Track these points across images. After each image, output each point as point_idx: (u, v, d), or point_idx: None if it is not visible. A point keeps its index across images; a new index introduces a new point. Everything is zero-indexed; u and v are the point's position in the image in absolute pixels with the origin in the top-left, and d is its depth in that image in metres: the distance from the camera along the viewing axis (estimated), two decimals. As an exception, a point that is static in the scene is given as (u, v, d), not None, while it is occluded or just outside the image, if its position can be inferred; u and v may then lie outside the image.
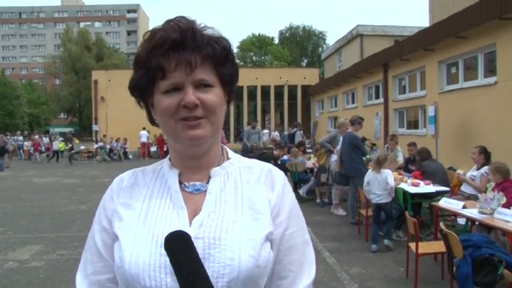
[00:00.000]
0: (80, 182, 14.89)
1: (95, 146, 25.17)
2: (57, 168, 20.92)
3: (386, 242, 6.34)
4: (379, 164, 6.48)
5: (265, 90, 29.55)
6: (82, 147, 27.26)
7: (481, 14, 9.25)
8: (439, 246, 4.65)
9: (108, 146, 24.30)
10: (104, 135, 25.66)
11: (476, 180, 6.81)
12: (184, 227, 0.94)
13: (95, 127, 29.06)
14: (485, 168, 6.69)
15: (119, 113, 24.95)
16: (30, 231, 7.70)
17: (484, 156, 6.95)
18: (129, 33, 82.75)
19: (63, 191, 12.84)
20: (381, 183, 6.34)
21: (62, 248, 6.58)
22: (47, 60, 63.83)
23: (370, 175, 6.55)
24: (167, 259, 0.89)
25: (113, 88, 26.40)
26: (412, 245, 4.85)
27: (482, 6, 9.24)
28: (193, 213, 0.97)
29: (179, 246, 0.86)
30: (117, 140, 24.76)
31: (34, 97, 54.69)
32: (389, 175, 6.39)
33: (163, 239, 0.91)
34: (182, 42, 0.95)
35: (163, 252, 0.89)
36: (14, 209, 9.87)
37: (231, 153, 1.11)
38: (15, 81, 50.11)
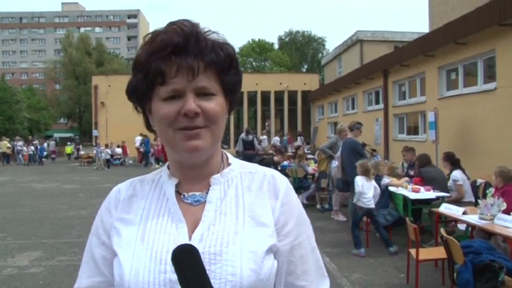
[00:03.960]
0: (79, 188, 14.87)
1: (94, 151, 25.14)
2: (57, 173, 20.90)
3: (391, 249, 6.36)
4: (367, 173, 6.61)
5: (265, 95, 29.59)
6: (82, 153, 27.31)
7: (480, 20, 9.28)
8: (439, 252, 4.64)
9: (109, 151, 24.21)
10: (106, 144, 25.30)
11: (452, 189, 6.89)
12: (183, 241, 0.91)
13: (95, 132, 29.10)
14: (453, 176, 6.83)
15: (119, 118, 24.95)
16: (29, 237, 7.67)
17: (450, 162, 7.05)
18: (129, 38, 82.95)
19: (63, 196, 12.82)
20: (371, 188, 6.56)
21: (61, 254, 6.55)
22: (47, 66, 63.85)
23: (363, 181, 6.58)
24: (166, 276, 0.87)
25: (113, 93, 26.44)
26: (413, 251, 4.84)
27: (482, 13, 9.27)
28: (193, 225, 0.94)
29: (186, 260, 0.84)
30: (118, 146, 24.77)
31: (34, 102, 54.61)
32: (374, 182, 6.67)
33: (162, 255, 0.89)
34: (185, 46, 0.91)
35: (163, 269, 0.88)
36: (14, 215, 9.84)
37: (231, 159, 1.07)
38: (15, 87, 50.04)
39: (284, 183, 1.02)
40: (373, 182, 6.64)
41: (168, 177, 1.02)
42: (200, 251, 0.87)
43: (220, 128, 0.97)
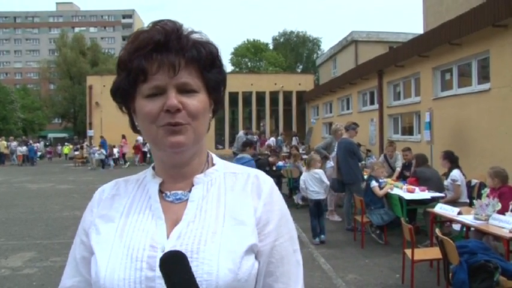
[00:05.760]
0: (74, 188, 14.81)
1: (89, 151, 25.04)
2: (51, 173, 20.81)
3: (323, 237, 6.96)
4: (308, 165, 7.21)
5: (260, 96, 29.60)
6: (76, 153, 27.20)
7: (474, 21, 9.32)
8: (434, 252, 4.66)
9: (103, 151, 24.08)
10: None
11: (449, 189, 6.86)
12: (161, 238, 0.90)
13: (89, 132, 29.01)
14: (453, 175, 6.76)
15: (113, 118, 24.79)
16: (23, 238, 7.63)
17: (449, 160, 7.03)
18: (124, 38, 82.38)
19: (57, 196, 12.77)
20: (316, 181, 6.98)
21: (55, 255, 6.52)
22: (42, 65, 63.48)
23: (305, 175, 7.15)
24: (142, 273, 0.86)
25: (107, 93, 25.40)
26: (408, 252, 4.84)
27: (476, 14, 9.31)
28: (174, 223, 0.93)
29: (174, 267, 0.82)
30: (114, 146, 24.74)
31: (28, 102, 54.32)
32: (322, 174, 7.12)
33: (139, 252, 0.89)
34: (166, 43, 0.91)
35: (139, 266, 0.87)
36: (7, 215, 9.78)
37: (215, 159, 1.07)
38: (9, 86, 49.79)
39: (268, 184, 1.01)
40: (319, 175, 7.02)
41: (152, 177, 1.02)
42: (177, 248, 0.86)
43: (203, 125, 0.96)
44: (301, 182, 7.22)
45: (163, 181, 1.00)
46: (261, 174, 1.04)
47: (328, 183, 7.18)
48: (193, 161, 1.00)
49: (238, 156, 7.00)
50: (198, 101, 0.93)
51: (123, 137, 24.05)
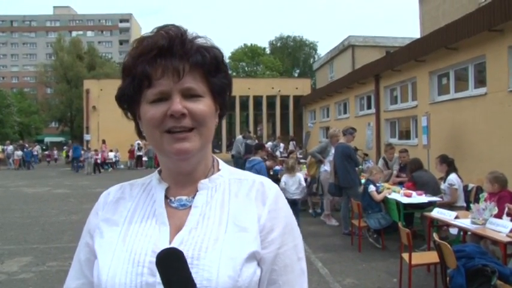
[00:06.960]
0: (70, 192, 14.76)
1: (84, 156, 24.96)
2: (48, 178, 20.74)
3: None
4: (292, 169, 7.81)
5: (258, 100, 29.65)
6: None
7: (470, 26, 9.37)
8: (432, 256, 4.65)
9: (99, 156, 24.00)
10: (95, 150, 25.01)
11: (446, 193, 6.85)
12: (164, 244, 0.90)
13: (86, 136, 28.95)
14: (450, 179, 6.75)
15: (110, 122, 24.86)
16: (19, 243, 7.59)
17: (447, 164, 7.03)
18: (121, 42, 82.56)
19: (53, 201, 12.72)
20: (295, 183, 7.66)
21: (52, 260, 6.48)
22: (39, 69, 63.21)
23: (287, 178, 7.76)
24: (143, 279, 0.86)
25: (104, 97, 26.36)
26: (405, 256, 4.84)
27: (472, 18, 9.36)
28: (177, 229, 0.93)
29: (171, 264, 0.81)
30: (111, 150, 24.72)
31: (25, 106, 54.29)
32: (301, 177, 7.91)
33: (141, 257, 0.88)
34: (170, 48, 0.91)
35: (140, 271, 0.87)
36: (3, 220, 9.73)
37: (221, 165, 1.06)
38: (5, 90, 49.75)
39: (273, 190, 1.00)
40: (298, 178, 7.75)
41: (158, 182, 1.02)
42: None
43: (209, 130, 0.96)
44: (282, 183, 7.66)
45: (168, 186, 1.00)
46: (267, 181, 1.03)
47: (304, 185, 7.94)
48: (199, 166, 0.99)
49: (250, 159, 7.60)
50: (204, 105, 0.93)
51: (103, 142, 24.04)
